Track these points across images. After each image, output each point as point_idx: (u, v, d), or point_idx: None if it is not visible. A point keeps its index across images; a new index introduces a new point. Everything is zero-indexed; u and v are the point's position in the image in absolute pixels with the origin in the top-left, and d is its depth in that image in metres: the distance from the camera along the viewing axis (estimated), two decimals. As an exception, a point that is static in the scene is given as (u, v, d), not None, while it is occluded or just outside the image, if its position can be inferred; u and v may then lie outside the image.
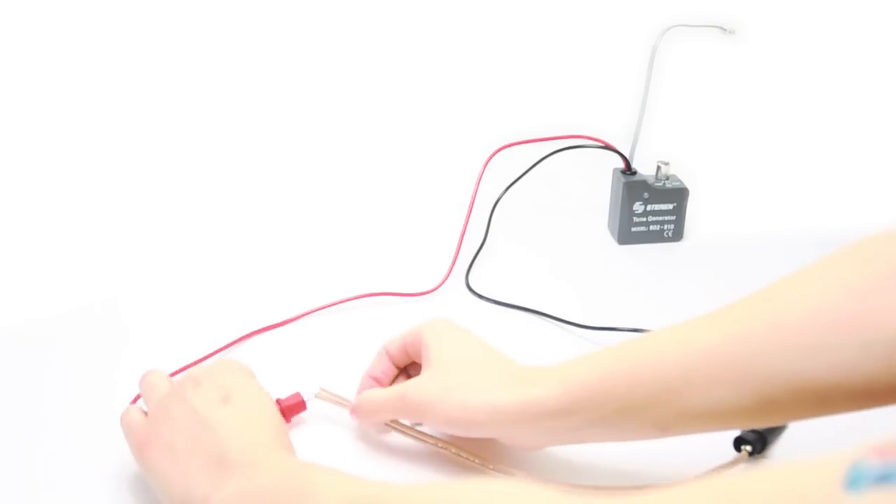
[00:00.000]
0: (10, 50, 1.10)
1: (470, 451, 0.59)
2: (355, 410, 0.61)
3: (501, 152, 0.86)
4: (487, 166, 0.86)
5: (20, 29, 1.11)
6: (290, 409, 0.62)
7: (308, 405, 0.62)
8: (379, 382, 0.63)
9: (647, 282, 0.85)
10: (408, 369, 0.64)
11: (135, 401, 0.62)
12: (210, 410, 0.52)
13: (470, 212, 0.86)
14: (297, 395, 0.62)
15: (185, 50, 1.15)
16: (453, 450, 0.59)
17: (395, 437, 0.62)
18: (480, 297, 0.80)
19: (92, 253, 0.86)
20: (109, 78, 1.12)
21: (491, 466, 0.58)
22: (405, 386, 0.59)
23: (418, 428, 0.61)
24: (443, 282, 0.81)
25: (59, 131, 1.06)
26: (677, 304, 0.79)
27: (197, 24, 1.16)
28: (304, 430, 0.63)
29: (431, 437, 0.60)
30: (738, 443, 0.60)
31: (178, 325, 0.75)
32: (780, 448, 0.61)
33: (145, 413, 0.56)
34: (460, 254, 0.84)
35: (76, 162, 1.02)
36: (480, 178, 0.86)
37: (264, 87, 1.16)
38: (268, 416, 0.55)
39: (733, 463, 0.59)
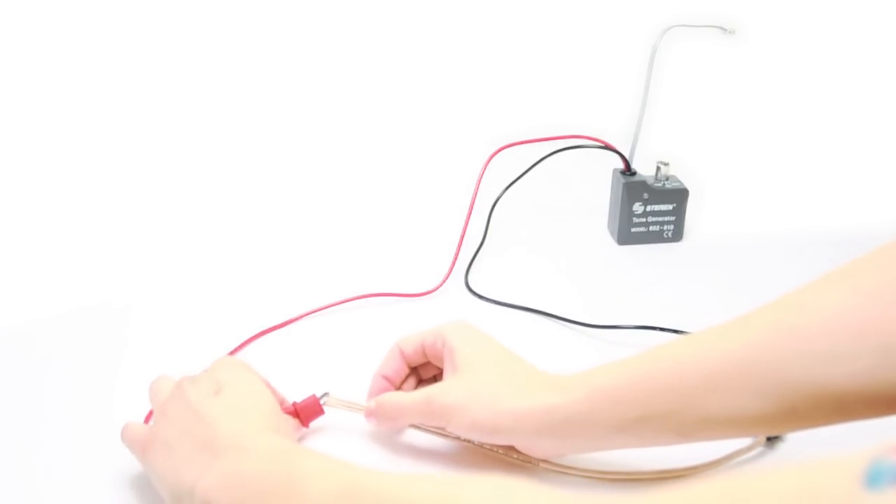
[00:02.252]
0: (19, 51, 1.10)
1: (433, 430, 0.59)
2: (374, 413, 0.60)
3: (501, 152, 0.86)
4: (487, 166, 0.86)
5: (45, 33, 1.11)
6: (308, 414, 0.61)
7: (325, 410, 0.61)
8: (391, 382, 0.63)
9: (647, 282, 0.85)
10: (418, 370, 0.64)
11: (147, 418, 0.61)
12: (201, 402, 0.53)
13: (470, 212, 0.86)
14: (314, 398, 0.61)
15: (193, 55, 1.15)
16: (476, 441, 0.59)
17: (411, 440, 0.62)
18: (480, 297, 0.80)
19: (92, 254, 0.86)
20: (115, 80, 1.12)
21: (515, 456, 0.58)
22: (430, 390, 0.58)
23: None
24: (443, 282, 0.81)
25: (62, 132, 1.06)
26: (677, 304, 0.80)
27: (202, 30, 1.16)
28: (313, 433, 0.62)
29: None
30: None
31: (178, 325, 0.75)
32: (796, 433, 0.60)
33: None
34: (460, 254, 0.84)
35: (78, 163, 1.02)
36: (480, 178, 0.86)
37: (264, 90, 1.16)
38: (258, 402, 0.55)
39: (752, 447, 0.60)
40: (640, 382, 0.53)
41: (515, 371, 0.58)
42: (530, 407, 0.54)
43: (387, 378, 0.63)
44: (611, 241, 0.91)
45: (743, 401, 0.50)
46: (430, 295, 0.80)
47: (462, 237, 0.85)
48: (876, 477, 0.26)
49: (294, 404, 0.60)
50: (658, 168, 0.88)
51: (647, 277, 0.85)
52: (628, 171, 0.88)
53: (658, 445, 0.54)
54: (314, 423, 0.61)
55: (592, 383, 0.54)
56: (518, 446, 0.57)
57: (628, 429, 0.53)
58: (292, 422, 0.60)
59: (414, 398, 0.58)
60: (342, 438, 0.62)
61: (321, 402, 0.61)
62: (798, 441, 0.60)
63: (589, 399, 0.53)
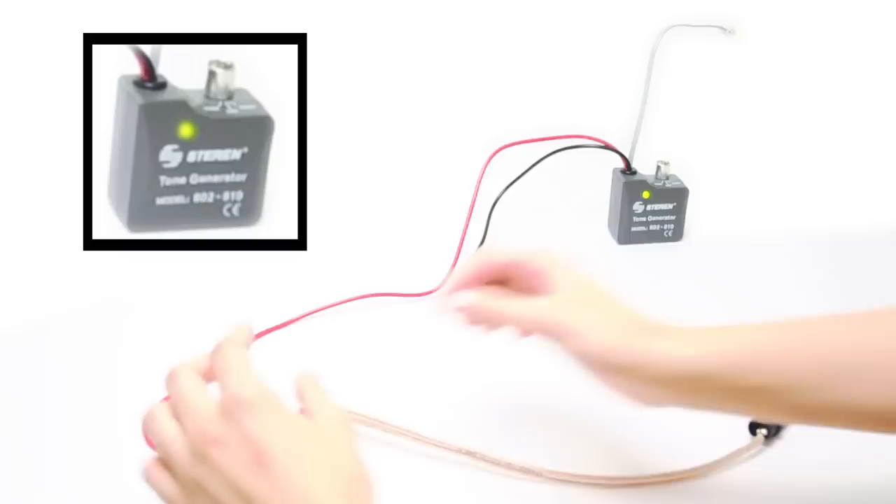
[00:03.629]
0: (19, 50, 1.10)
1: (432, 439, 0.59)
2: (467, 310, 0.55)
3: (501, 152, 0.86)
4: (487, 166, 0.86)
5: (44, 32, 1.11)
6: None
7: None
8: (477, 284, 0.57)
9: (647, 282, 0.85)
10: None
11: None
12: (246, 480, 0.42)
13: (470, 212, 0.86)
14: None
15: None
16: (478, 455, 0.59)
17: (410, 446, 0.61)
18: (480, 297, 0.80)
19: (92, 253, 0.85)
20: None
21: (517, 467, 0.58)
22: (547, 302, 0.53)
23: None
24: (443, 282, 0.81)
25: (59, 131, 1.06)
26: (677, 304, 0.79)
27: (201, 26, 1.16)
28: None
29: (395, 426, 0.59)
30: (753, 427, 0.61)
31: (178, 325, 0.75)
32: (794, 430, 0.61)
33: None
34: (460, 254, 0.84)
35: (77, 162, 1.02)
36: (481, 178, 0.86)
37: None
38: (328, 466, 0.43)
39: (750, 447, 0.60)
40: (766, 353, 0.50)
41: (618, 309, 0.55)
42: (660, 351, 0.51)
43: (476, 279, 0.56)
44: (611, 241, 0.91)
45: (875, 393, 0.47)
46: (431, 295, 0.80)
47: (462, 237, 0.85)
48: None
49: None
50: (658, 168, 0.88)
51: (648, 277, 0.86)
52: (628, 170, 0.89)
53: (771, 420, 0.53)
54: None
55: (708, 339, 0.51)
56: (615, 386, 0.52)
57: (740, 397, 0.50)
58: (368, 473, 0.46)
59: (523, 306, 0.54)
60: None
61: None
62: (796, 441, 0.60)
63: (721, 357, 0.50)
